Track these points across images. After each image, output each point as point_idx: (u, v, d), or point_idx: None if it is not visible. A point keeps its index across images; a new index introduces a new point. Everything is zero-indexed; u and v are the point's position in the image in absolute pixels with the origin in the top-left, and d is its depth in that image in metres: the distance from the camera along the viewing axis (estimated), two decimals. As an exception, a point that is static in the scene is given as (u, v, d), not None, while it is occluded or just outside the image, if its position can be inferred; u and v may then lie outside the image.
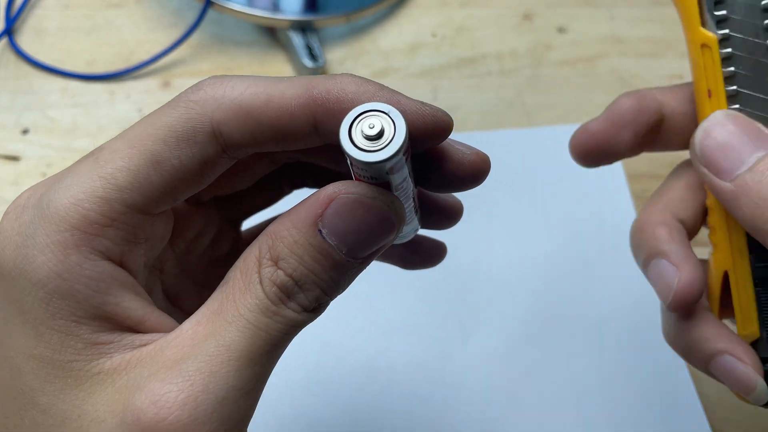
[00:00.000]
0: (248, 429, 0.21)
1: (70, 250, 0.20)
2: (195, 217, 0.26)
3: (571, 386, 0.40)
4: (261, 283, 0.20)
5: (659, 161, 0.49)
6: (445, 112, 0.21)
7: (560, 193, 0.47)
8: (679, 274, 0.27)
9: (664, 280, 0.27)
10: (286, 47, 0.53)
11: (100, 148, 0.21)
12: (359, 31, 0.55)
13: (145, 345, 0.20)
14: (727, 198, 0.25)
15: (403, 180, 0.21)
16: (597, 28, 0.56)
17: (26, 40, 0.53)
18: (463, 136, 0.50)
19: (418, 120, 0.21)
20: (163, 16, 0.55)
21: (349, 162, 0.20)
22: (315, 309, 0.21)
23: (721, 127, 0.25)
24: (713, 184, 0.25)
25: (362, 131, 0.19)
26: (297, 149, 0.22)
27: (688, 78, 0.28)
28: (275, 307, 0.20)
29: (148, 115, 0.21)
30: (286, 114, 0.21)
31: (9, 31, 0.53)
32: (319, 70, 0.51)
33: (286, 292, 0.20)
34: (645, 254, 0.29)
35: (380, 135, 0.19)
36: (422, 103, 0.21)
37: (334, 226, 0.20)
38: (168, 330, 0.21)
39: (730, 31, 0.25)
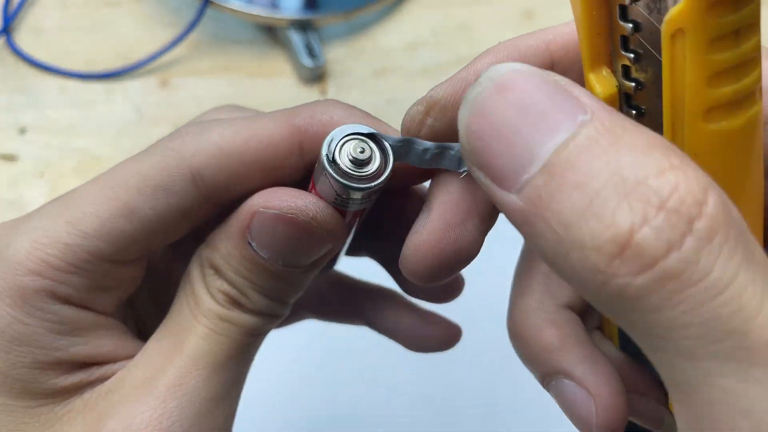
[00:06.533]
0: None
1: (30, 295, 0.19)
2: (169, 255, 0.25)
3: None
4: (208, 291, 0.20)
5: (661, 161, 0.49)
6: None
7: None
8: (595, 402, 0.20)
9: (576, 411, 0.20)
10: (285, 46, 0.53)
11: (71, 192, 0.20)
12: (359, 29, 0.55)
13: (115, 373, 0.20)
14: (517, 221, 0.15)
15: (362, 210, 0.20)
16: (599, 26, 0.56)
17: (24, 39, 0.52)
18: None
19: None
20: (161, 15, 0.55)
21: (320, 176, 0.19)
22: (272, 313, 0.21)
23: (501, 95, 0.15)
24: (497, 198, 0.15)
25: (350, 153, 0.18)
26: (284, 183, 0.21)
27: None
28: (228, 312, 0.20)
29: (126, 160, 0.20)
30: (270, 146, 0.20)
31: (6, 30, 0.52)
32: (319, 69, 0.51)
33: (231, 299, 0.20)
34: (539, 372, 0.22)
35: (369, 161, 0.18)
36: None
37: (261, 240, 0.19)
38: None
39: None
